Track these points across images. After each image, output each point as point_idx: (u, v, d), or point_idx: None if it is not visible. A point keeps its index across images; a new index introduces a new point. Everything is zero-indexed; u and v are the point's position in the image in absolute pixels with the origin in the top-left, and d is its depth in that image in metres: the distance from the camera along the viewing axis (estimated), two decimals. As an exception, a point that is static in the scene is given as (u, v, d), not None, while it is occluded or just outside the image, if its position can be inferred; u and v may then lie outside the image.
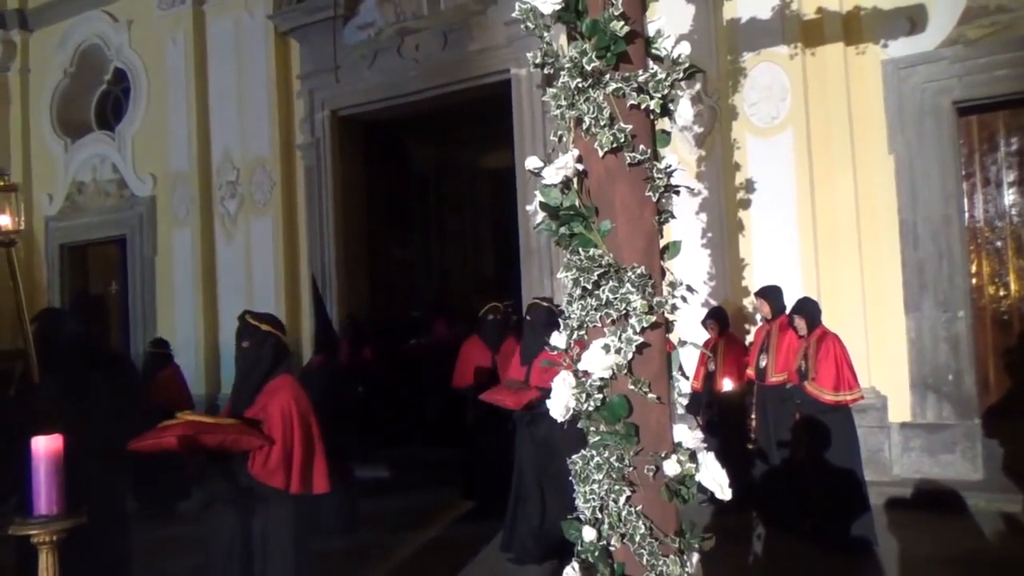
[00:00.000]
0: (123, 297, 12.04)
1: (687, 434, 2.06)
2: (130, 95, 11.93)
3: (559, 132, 2.08)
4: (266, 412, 3.55)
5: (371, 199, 10.59)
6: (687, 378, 7.05)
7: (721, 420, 6.74)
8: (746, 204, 7.48)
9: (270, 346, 3.70)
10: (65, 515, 2.46)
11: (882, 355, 7.01)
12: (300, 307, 10.20)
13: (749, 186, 7.46)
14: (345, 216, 10.11)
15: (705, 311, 7.05)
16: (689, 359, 6.85)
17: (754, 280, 7.24)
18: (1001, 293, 7.17)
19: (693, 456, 2.03)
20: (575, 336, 2.05)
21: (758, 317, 6.85)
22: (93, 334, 4.33)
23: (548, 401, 4.22)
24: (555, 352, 2.06)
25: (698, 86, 7.53)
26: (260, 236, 10.40)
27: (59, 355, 3.88)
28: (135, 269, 11.74)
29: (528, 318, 5.66)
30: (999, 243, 7.17)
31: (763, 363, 6.25)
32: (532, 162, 2.08)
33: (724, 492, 2.01)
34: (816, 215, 7.16)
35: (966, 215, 7.17)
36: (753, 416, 6.39)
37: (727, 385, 6.72)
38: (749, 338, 7.12)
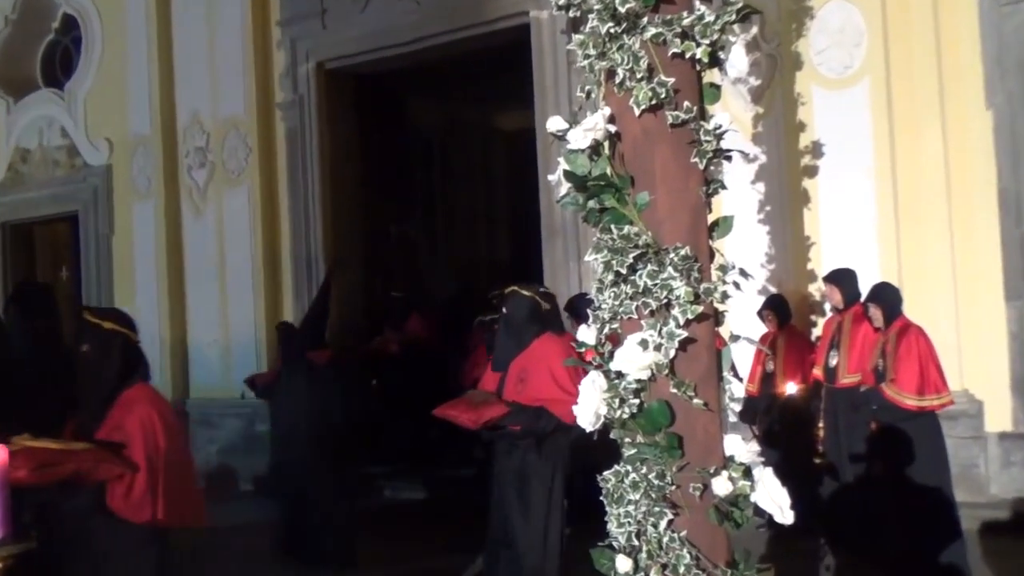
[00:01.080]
0: (75, 283, 12.15)
1: (740, 446, 2.06)
2: (82, 46, 11.99)
3: (587, 87, 2.08)
4: (123, 431, 3.40)
5: (365, 167, 10.61)
6: (741, 380, 7.02)
7: (782, 429, 6.74)
8: (812, 171, 7.44)
9: (118, 349, 3.57)
10: (12, 539, 2.49)
11: (977, 351, 6.96)
12: (281, 294, 10.27)
13: (816, 150, 7.41)
14: (334, 188, 10.13)
15: (762, 300, 7.03)
16: (744, 357, 6.83)
17: (822, 263, 7.21)
18: (1121, 277, 7.09)
19: (748, 472, 2.04)
20: (607, 330, 2.05)
21: (827, 307, 6.82)
22: (39, 330, 4.37)
23: (519, 419, 4.04)
24: (583, 349, 2.06)
25: (755, 30, 7.48)
26: (234, 211, 10.46)
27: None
28: (89, 251, 11.83)
29: (504, 311, 5.39)
30: (1119, 216, 7.09)
31: (833, 361, 6.24)
32: (555, 123, 2.08)
33: (785, 514, 2.01)
34: (897, 184, 7.10)
35: (1080, 183, 7.09)
36: (821, 424, 6.38)
37: (789, 388, 6.72)
38: (816, 332, 7.10)
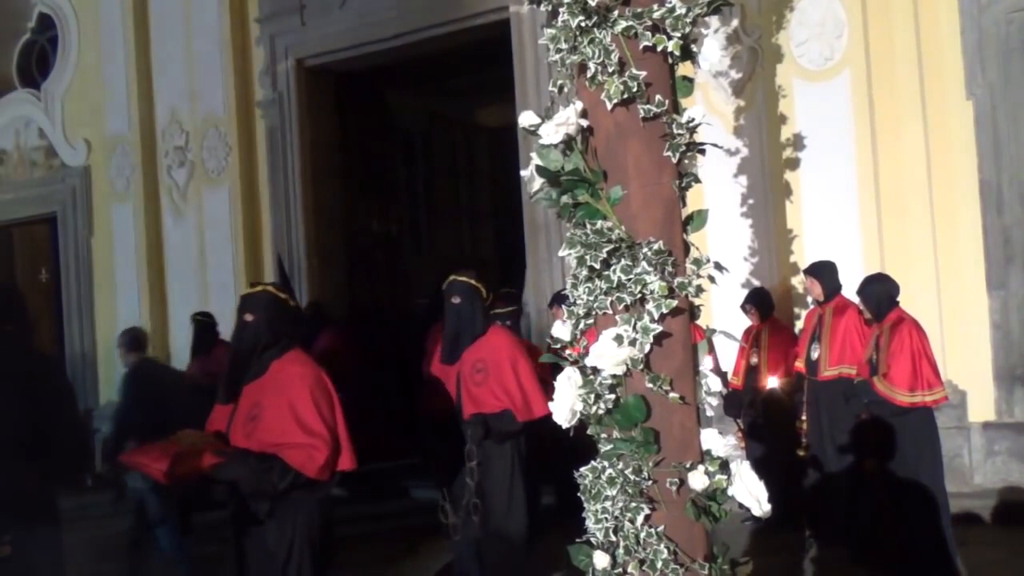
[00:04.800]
0: (55, 286, 12.09)
1: (717, 440, 2.07)
2: (58, 46, 11.92)
3: (559, 81, 2.07)
4: None
5: (346, 165, 10.57)
6: (725, 373, 7.00)
7: (766, 423, 6.74)
8: (794, 164, 7.46)
9: None
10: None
11: (960, 342, 7.00)
12: (264, 295, 10.23)
13: (798, 142, 7.43)
14: (315, 185, 10.10)
15: (745, 293, 7.04)
16: (730, 350, 6.84)
17: (805, 255, 7.24)
18: (1102, 265, 7.14)
19: (724, 466, 2.04)
20: (582, 326, 2.05)
21: (809, 299, 6.84)
22: (5, 333, 4.25)
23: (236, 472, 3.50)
24: (558, 345, 2.06)
25: (735, 22, 7.48)
26: (215, 211, 10.42)
27: None
28: (68, 252, 11.77)
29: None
30: (1100, 205, 7.13)
31: (815, 354, 6.23)
32: (527, 118, 2.09)
33: (762, 507, 2.02)
34: (879, 175, 7.13)
35: (1060, 172, 7.13)
36: (804, 417, 6.37)
37: (771, 382, 6.69)
38: (800, 324, 7.12)
